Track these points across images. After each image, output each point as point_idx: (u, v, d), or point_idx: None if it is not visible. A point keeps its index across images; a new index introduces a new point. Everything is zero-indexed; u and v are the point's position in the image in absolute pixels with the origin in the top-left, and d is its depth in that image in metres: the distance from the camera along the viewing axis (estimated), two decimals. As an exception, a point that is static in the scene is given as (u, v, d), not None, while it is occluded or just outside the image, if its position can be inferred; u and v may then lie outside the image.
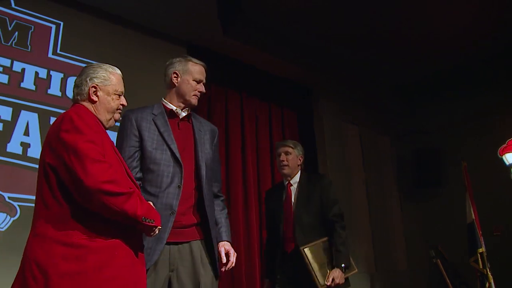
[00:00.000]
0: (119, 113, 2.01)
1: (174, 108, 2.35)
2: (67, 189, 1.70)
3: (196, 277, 2.16)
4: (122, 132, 2.25)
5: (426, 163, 6.21)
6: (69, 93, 3.85)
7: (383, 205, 6.15)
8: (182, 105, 2.37)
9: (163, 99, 2.39)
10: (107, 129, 1.98)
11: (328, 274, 2.94)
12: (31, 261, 1.65)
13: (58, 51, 4.00)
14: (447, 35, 5.23)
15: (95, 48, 4.20)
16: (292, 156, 3.25)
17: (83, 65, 3.77)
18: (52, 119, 3.58)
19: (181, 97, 2.35)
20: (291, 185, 3.26)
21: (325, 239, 3.08)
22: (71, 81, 3.91)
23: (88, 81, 1.92)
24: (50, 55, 3.94)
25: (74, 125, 1.72)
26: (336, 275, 2.93)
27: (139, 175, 2.21)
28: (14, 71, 3.71)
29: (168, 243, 2.13)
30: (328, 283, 2.91)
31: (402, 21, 4.96)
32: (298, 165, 3.29)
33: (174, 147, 2.25)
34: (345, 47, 5.39)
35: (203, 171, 2.29)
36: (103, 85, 1.93)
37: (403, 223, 6.34)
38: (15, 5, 3.84)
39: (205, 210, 2.24)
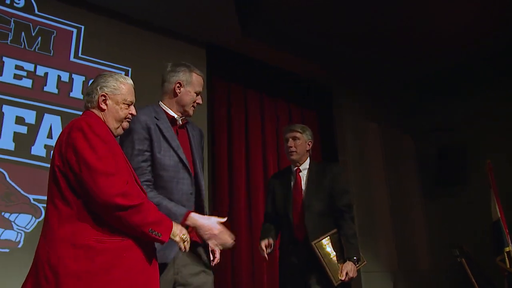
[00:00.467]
0: (128, 121, 2.03)
1: (175, 116, 2.36)
2: (76, 192, 1.74)
3: (200, 279, 2.21)
4: (132, 135, 2.20)
5: (449, 160, 6.05)
6: (91, 96, 3.92)
7: (405, 203, 6.04)
8: (180, 114, 2.38)
9: (161, 103, 2.39)
10: (116, 137, 2.02)
11: (341, 268, 2.81)
12: (43, 262, 1.68)
13: (80, 55, 4.05)
14: (465, 28, 5.10)
15: (115, 50, 4.25)
16: (300, 142, 3.08)
17: (104, 68, 4.11)
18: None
19: (181, 107, 2.37)
20: (300, 171, 3.10)
21: (334, 231, 2.93)
22: (92, 84, 3.99)
23: (98, 89, 1.97)
24: (71, 58, 4.00)
25: (85, 136, 1.76)
26: (350, 268, 2.80)
27: (150, 176, 2.20)
28: (38, 75, 3.77)
29: None
30: (343, 278, 2.78)
31: (420, 16, 4.85)
32: (307, 151, 3.13)
33: (181, 152, 2.27)
34: (363, 44, 5.30)
35: (202, 179, 2.36)
36: (113, 94, 1.97)
37: (425, 222, 6.21)
38: (38, 11, 3.91)
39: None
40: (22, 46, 3.75)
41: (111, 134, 1.92)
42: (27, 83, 3.70)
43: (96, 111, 1.97)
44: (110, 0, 4.23)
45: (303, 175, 3.09)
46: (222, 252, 2.42)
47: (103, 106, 1.96)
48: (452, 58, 5.70)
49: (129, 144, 2.19)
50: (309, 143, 3.13)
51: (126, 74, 4.24)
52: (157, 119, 2.27)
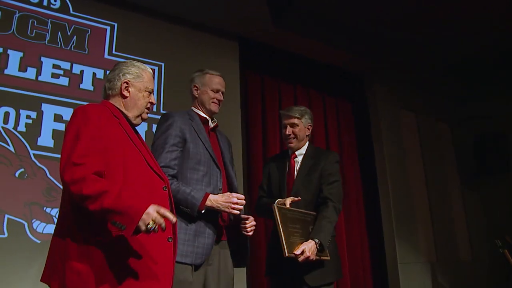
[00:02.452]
0: (147, 111, 2.01)
1: (207, 117, 2.51)
2: None
3: (228, 271, 2.32)
4: (164, 131, 2.31)
5: (489, 149, 5.79)
6: (126, 92, 3.96)
7: (443, 193, 5.83)
8: (209, 115, 2.52)
9: (193, 108, 2.54)
10: (136, 125, 2.00)
11: (299, 245, 2.46)
12: (54, 253, 1.71)
13: (114, 52, 4.08)
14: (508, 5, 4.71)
15: (148, 46, 4.24)
16: (299, 128, 2.89)
17: None
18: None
19: (203, 106, 2.50)
20: (296, 156, 2.91)
21: (311, 213, 2.67)
22: (126, 80, 4.02)
23: (121, 76, 1.94)
24: (106, 56, 4.03)
25: (76, 118, 1.75)
26: (309, 247, 2.45)
27: (175, 172, 2.27)
28: (74, 74, 3.83)
29: None
30: (297, 253, 2.42)
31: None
32: (307, 135, 2.94)
33: (211, 151, 2.37)
34: (396, 29, 5.07)
35: (234, 178, 2.47)
36: (135, 81, 1.94)
37: (465, 212, 5.99)
38: (73, 11, 3.97)
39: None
40: (59, 46, 3.81)
41: (113, 120, 1.84)
42: (64, 81, 3.77)
43: (116, 99, 1.94)
44: (141, -3, 4.22)
45: (298, 160, 2.90)
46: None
47: (126, 93, 1.93)
48: (491, 42, 5.39)
49: (163, 140, 2.29)
50: (309, 126, 2.95)
51: (160, 70, 4.27)
52: (191, 120, 2.40)
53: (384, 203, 5.24)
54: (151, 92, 1.99)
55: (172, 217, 1.65)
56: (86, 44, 3.96)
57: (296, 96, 5.15)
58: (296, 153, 2.93)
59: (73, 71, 3.83)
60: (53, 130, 3.62)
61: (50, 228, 3.41)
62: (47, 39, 3.78)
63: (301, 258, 2.42)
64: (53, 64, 3.75)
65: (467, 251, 5.81)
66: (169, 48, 4.37)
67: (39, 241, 3.34)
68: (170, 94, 4.22)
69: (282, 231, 2.44)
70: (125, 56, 4.09)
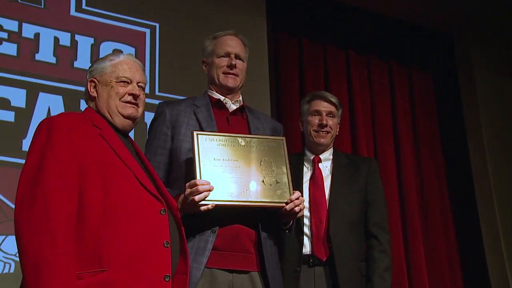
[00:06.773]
0: (132, 105, 1.97)
1: (221, 98, 2.38)
2: None
3: None
4: (151, 129, 2.35)
5: None
6: (103, 64, 3.78)
7: None
8: (226, 95, 2.41)
9: (207, 91, 2.47)
10: (125, 132, 2.03)
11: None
12: None
13: (84, 6, 3.80)
14: None
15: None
16: (335, 121, 2.82)
17: (119, 24, 3.95)
18: (83, 102, 3.57)
19: (215, 84, 2.39)
20: (320, 161, 2.80)
21: (273, 137, 2.42)
22: (104, 47, 3.80)
23: (87, 77, 2.04)
24: (73, 12, 3.77)
25: (39, 136, 1.80)
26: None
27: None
28: (25, 38, 3.54)
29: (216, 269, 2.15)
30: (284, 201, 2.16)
31: None
32: (336, 135, 2.92)
33: None
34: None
35: None
36: (100, 75, 1.99)
37: None
38: None
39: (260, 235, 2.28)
40: (-2, -5, 3.47)
41: (92, 134, 1.87)
42: (10, 49, 3.49)
43: (90, 105, 2.03)
44: None
45: (325, 167, 2.82)
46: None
47: (93, 93, 1.98)
48: None
49: (149, 142, 2.33)
50: (339, 125, 2.93)
51: (153, 31, 4.03)
52: (197, 106, 2.35)
53: (486, 220, 4.78)
54: (127, 82, 1.98)
55: None
56: (42, -5, 3.63)
57: (349, 64, 4.85)
58: (321, 157, 2.83)
59: (24, 35, 3.55)
60: (-4, 121, 3.38)
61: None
62: (-22, -16, 3.48)
63: (289, 206, 2.15)
64: (-9, 24, 3.47)
65: None
66: (166, 2, 4.14)
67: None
68: (167, 67, 4.03)
69: (199, 160, 2.19)
70: (102, 13, 3.87)
